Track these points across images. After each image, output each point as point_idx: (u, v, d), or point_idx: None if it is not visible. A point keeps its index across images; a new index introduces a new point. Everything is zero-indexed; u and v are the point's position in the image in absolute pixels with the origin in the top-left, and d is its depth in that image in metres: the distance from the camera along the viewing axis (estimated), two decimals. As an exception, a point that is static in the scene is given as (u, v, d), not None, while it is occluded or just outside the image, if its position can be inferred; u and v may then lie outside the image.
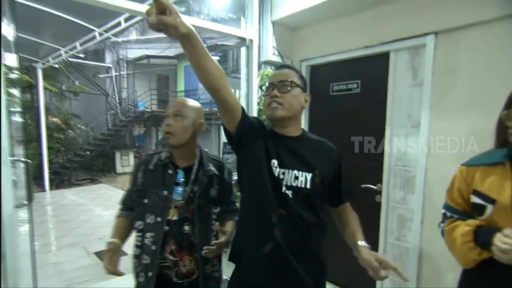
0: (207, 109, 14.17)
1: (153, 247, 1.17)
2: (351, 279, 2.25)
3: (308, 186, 1.03)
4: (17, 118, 1.65)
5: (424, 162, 1.84)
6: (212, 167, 1.27)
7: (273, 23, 2.41)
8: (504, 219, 0.90)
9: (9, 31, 1.54)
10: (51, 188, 7.13)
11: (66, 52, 5.53)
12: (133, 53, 12.74)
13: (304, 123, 2.47)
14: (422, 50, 1.83)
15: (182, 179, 1.24)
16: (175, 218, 1.21)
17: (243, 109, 1.02)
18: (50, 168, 7.25)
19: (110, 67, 12.90)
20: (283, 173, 1.03)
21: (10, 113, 1.53)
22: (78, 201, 6.37)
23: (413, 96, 1.91)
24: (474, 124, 1.61)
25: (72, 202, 6.23)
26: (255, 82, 2.38)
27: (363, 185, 2.17)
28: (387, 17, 1.96)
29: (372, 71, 2.13)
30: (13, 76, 1.61)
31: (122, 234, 1.27)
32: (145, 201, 1.21)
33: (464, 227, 0.97)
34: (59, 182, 7.85)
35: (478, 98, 1.61)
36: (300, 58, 2.53)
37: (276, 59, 2.46)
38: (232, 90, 0.97)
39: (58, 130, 8.99)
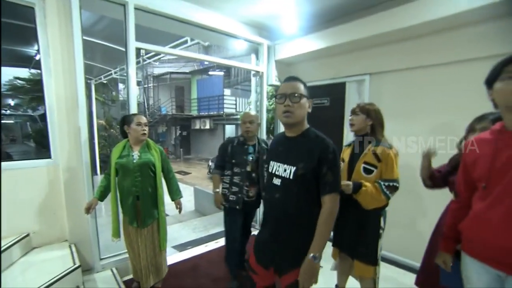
0: (215, 112, 15.99)
1: (240, 183, 2.27)
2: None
3: (291, 177, 1.23)
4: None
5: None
6: (263, 145, 2.36)
7: (276, 61, 3.66)
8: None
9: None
10: (101, 173, 8.27)
11: (115, 72, 7.74)
12: (158, 70, 18.05)
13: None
14: (363, 82, 3.07)
15: (252, 150, 2.32)
16: (248, 169, 2.28)
17: None
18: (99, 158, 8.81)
19: (141, 81, 17.41)
20: (278, 166, 1.29)
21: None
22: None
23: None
24: (392, 126, 2.20)
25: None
26: (265, 98, 3.75)
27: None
28: (345, 62, 3.19)
29: (336, 92, 3.35)
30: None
31: (218, 184, 2.30)
32: (233, 160, 2.27)
33: None
34: (105, 169, 8.96)
35: (394, 109, 2.69)
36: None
37: (277, 83, 3.75)
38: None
39: (103, 130, 10.92)
